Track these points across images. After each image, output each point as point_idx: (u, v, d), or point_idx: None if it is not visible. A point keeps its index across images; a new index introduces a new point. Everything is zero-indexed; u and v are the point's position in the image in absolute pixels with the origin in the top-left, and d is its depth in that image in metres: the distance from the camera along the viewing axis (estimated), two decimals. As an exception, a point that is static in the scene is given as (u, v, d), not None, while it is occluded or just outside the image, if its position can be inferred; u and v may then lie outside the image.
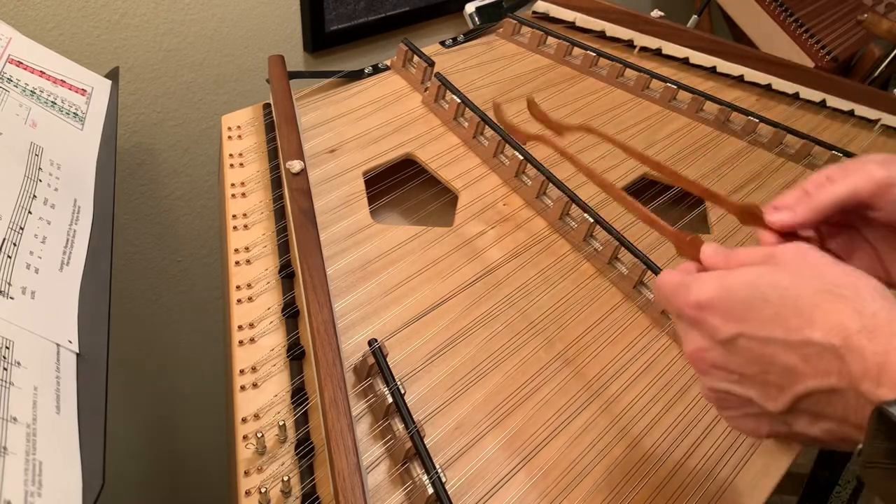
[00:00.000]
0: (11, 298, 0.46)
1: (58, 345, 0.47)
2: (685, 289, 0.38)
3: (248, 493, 0.47)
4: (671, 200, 0.78)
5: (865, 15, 1.18)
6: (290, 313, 0.58)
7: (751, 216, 0.45)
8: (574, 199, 0.69)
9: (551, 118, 0.54)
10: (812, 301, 0.34)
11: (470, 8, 1.00)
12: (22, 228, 0.51)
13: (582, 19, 1.03)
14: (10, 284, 0.47)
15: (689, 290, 0.38)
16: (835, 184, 0.43)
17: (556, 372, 0.58)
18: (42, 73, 0.67)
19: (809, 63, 1.18)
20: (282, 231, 0.65)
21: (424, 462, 0.47)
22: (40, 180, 0.57)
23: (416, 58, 0.86)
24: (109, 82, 0.74)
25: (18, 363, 0.43)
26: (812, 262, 0.36)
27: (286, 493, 0.46)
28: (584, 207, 0.68)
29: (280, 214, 0.66)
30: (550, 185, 0.71)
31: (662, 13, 1.05)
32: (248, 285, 0.61)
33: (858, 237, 0.46)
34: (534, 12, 1.06)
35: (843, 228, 0.46)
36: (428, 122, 0.81)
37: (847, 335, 0.32)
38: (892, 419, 0.29)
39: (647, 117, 0.89)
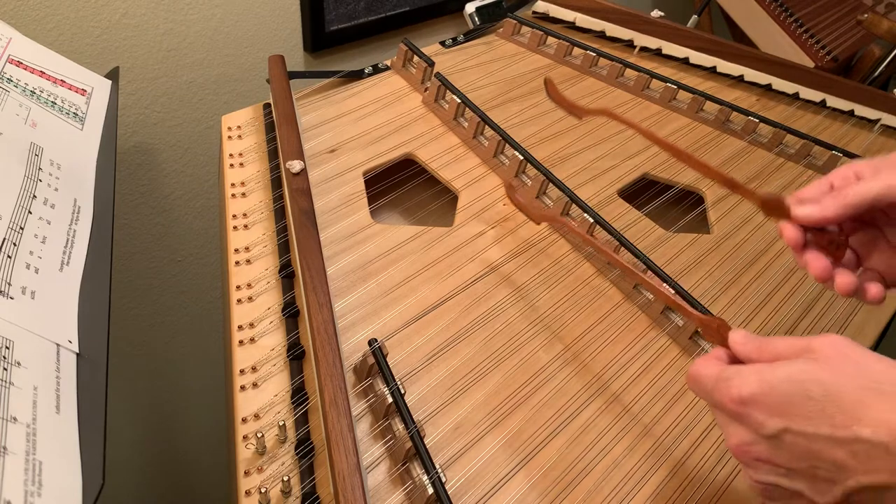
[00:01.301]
0: (11, 298, 0.46)
1: (58, 345, 0.47)
2: (726, 383, 0.38)
3: (248, 493, 0.47)
4: (671, 201, 0.78)
5: (865, 15, 1.18)
6: (290, 313, 0.58)
7: (774, 208, 0.45)
8: (574, 199, 0.69)
9: (569, 99, 0.54)
10: (857, 397, 0.34)
11: (470, 8, 1.00)
12: (22, 228, 0.51)
13: (582, 19, 1.03)
14: (10, 284, 0.47)
15: (731, 384, 0.38)
16: (866, 181, 0.43)
17: (556, 372, 0.58)
18: (42, 73, 0.67)
19: (809, 63, 1.18)
20: (282, 231, 0.65)
21: (424, 462, 0.47)
22: (40, 180, 0.57)
23: (416, 58, 0.86)
24: (109, 82, 0.74)
25: (18, 363, 0.43)
26: (853, 357, 0.36)
27: (286, 493, 0.46)
28: (584, 207, 0.68)
29: (280, 214, 0.66)
30: (550, 184, 0.71)
31: (662, 13, 1.05)
32: (248, 285, 0.61)
33: (879, 235, 0.46)
34: (534, 12, 1.06)
35: (863, 225, 0.46)
36: (428, 122, 0.82)
37: (895, 432, 0.32)
38: None
39: (648, 117, 0.89)
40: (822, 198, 0.45)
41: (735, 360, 0.41)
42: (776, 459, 0.37)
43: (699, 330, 0.45)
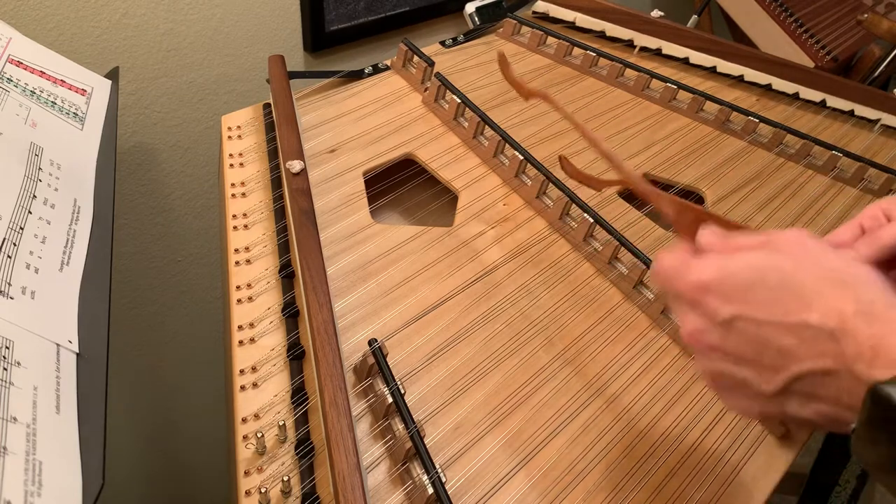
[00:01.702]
0: (11, 298, 0.46)
1: (58, 345, 0.47)
2: (685, 269, 0.38)
3: (248, 493, 0.47)
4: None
5: (865, 15, 1.18)
6: (290, 313, 0.58)
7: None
8: (574, 199, 0.69)
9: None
10: (812, 286, 0.34)
11: (470, 8, 1.00)
12: (22, 228, 0.51)
13: (582, 19, 1.03)
14: (10, 284, 0.47)
15: (690, 270, 0.38)
16: None
17: (556, 372, 0.58)
18: (42, 73, 0.67)
19: (809, 63, 1.18)
20: (282, 231, 0.65)
21: (424, 462, 0.47)
22: (40, 180, 0.57)
23: (416, 58, 0.86)
24: (109, 82, 0.74)
25: (18, 363, 0.43)
26: (811, 248, 0.37)
27: (286, 493, 0.46)
28: (584, 207, 0.68)
29: (280, 214, 0.66)
30: (550, 184, 0.71)
31: (662, 13, 1.05)
32: (248, 285, 0.61)
33: None
34: (534, 12, 1.06)
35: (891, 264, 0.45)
36: (428, 122, 0.81)
37: (843, 319, 0.33)
38: (885, 398, 0.30)
39: (647, 117, 0.89)
40: (856, 243, 0.44)
41: (701, 253, 0.40)
42: (726, 346, 0.37)
43: (671, 215, 0.43)
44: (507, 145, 0.75)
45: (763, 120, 0.88)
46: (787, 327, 0.34)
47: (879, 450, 0.31)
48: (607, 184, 0.51)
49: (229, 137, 0.76)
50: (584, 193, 0.71)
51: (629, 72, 0.93)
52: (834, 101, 0.99)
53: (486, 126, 0.77)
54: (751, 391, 0.37)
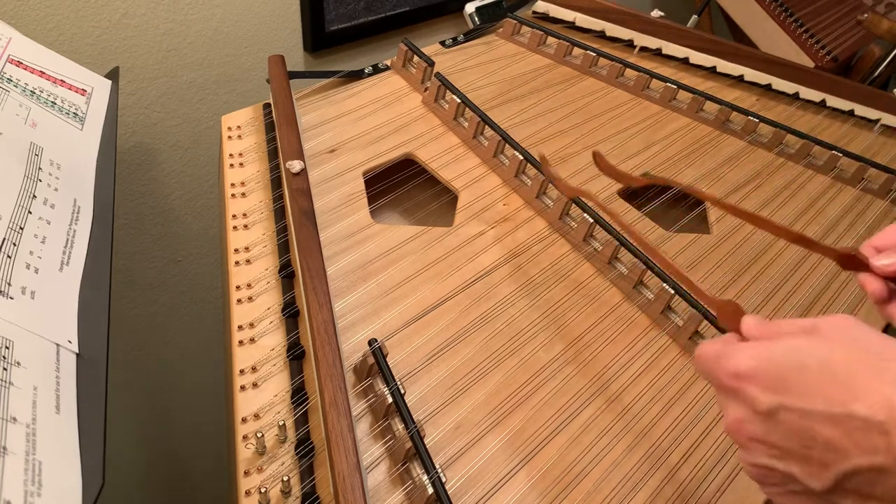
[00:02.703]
0: (11, 298, 0.46)
1: (57, 345, 0.47)
2: (725, 358, 0.37)
3: (248, 492, 0.47)
4: (671, 200, 0.78)
5: (865, 15, 1.18)
6: (290, 313, 0.58)
7: (850, 260, 0.42)
8: (574, 199, 0.69)
9: (619, 170, 0.53)
10: (855, 372, 0.32)
11: (470, 8, 1.00)
12: (22, 228, 0.51)
13: (582, 19, 1.03)
14: (10, 284, 0.47)
15: (729, 359, 0.37)
16: None
17: (556, 371, 0.58)
18: (42, 73, 0.67)
19: (809, 63, 1.18)
20: (282, 231, 0.65)
21: (424, 462, 0.47)
22: (40, 180, 0.57)
23: (416, 58, 0.86)
24: (109, 82, 0.74)
25: (18, 363, 0.43)
26: (857, 333, 0.34)
27: (286, 492, 0.46)
28: (584, 207, 0.68)
29: (280, 214, 0.66)
30: (550, 185, 0.71)
31: (662, 13, 1.05)
32: (248, 285, 0.61)
33: None
34: (534, 12, 1.06)
35: None
36: (428, 122, 0.81)
37: (893, 410, 0.30)
38: None
39: (647, 117, 0.89)
40: None
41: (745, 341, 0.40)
42: (770, 439, 0.35)
43: (715, 313, 0.43)
44: (507, 145, 0.75)
45: (763, 120, 0.88)
46: (832, 419, 0.32)
47: None
48: (636, 181, 0.51)
49: (229, 137, 0.76)
50: (584, 193, 0.71)
51: (629, 72, 0.93)
52: (834, 101, 0.99)
53: (486, 126, 0.77)
54: (799, 487, 0.35)
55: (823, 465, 0.33)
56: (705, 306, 0.45)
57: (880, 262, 0.42)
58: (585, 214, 0.67)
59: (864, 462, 0.31)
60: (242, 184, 0.71)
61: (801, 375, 0.33)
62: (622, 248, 0.65)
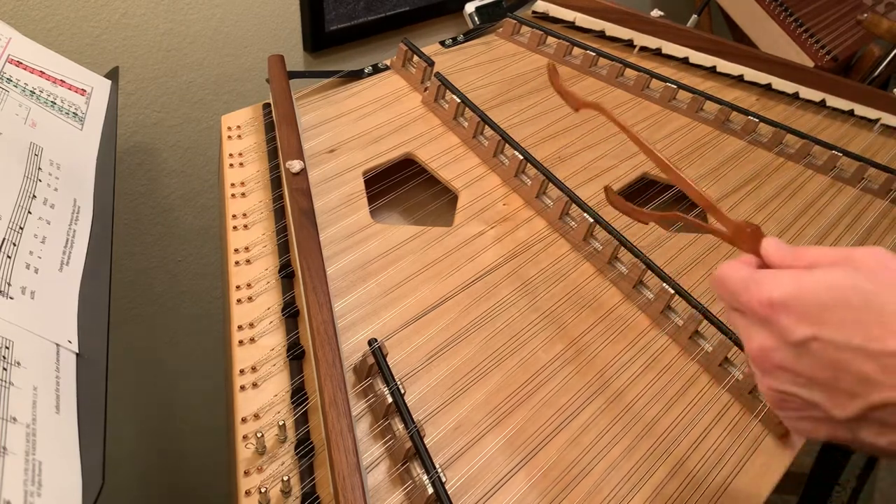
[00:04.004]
0: (11, 298, 0.46)
1: (57, 345, 0.47)
2: (756, 284, 0.36)
3: (248, 492, 0.47)
4: (672, 199, 0.78)
5: (865, 15, 1.17)
6: (290, 313, 0.58)
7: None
8: (574, 198, 0.69)
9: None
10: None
11: (470, 8, 1.00)
12: (22, 228, 0.51)
13: (582, 19, 1.03)
14: (9, 284, 0.47)
15: (762, 285, 0.36)
16: None
17: (556, 371, 0.58)
18: (42, 73, 0.67)
19: (809, 63, 1.18)
20: (282, 231, 0.65)
21: (424, 462, 0.47)
22: (40, 180, 0.57)
23: (415, 57, 0.86)
24: (109, 82, 0.74)
25: (18, 363, 0.43)
26: (893, 266, 0.34)
27: (286, 492, 0.46)
28: (584, 207, 0.68)
29: (280, 214, 0.66)
30: (550, 184, 0.71)
31: (662, 13, 1.05)
32: (248, 285, 0.61)
33: None
34: (533, 12, 1.06)
35: None
36: (428, 122, 0.81)
37: None
38: None
39: (647, 117, 0.89)
40: None
41: (765, 267, 0.39)
42: (798, 368, 0.35)
43: (731, 234, 0.42)
44: (506, 145, 0.75)
45: (763, 120, 0.88)
46: (870, 353, 0.32)
47: None
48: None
49: (229, 137, 0.76)
50: (583, 193, 0.71)
51: (629, 71, 0.93)
52: (834, 101, 0.99)
53: (486, 126, 0.77)
54: (820, 414, 0.36)
55: (852, 395, 0.33)
56: (720, 226, 0.43)
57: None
58: (585, 214, 0.67)
59: (894, 396, 0.32)
60: (242, 184, 0.71)
61: (839, 308, 0.33)
62: (622, 248, 0.65)
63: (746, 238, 0.40)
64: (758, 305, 0.36)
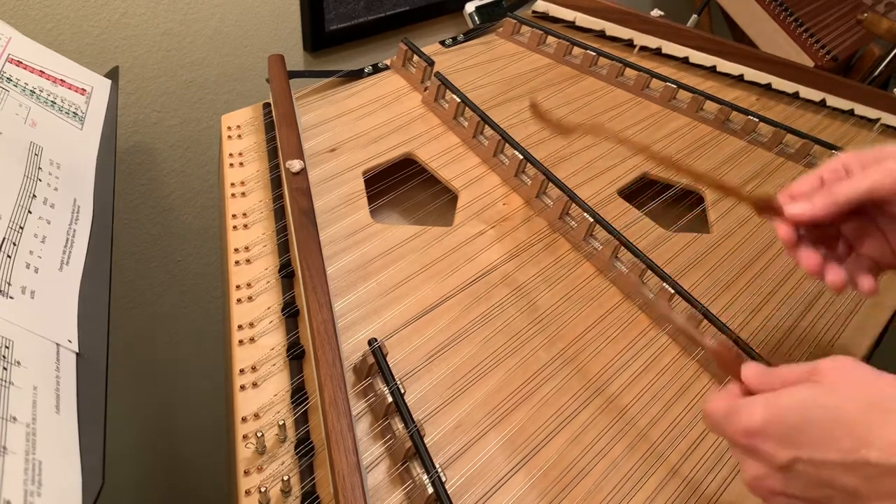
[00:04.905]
0: (11, 298, 0.46)
1: (57, 344, 0.47)
2: (734, 416, 0.38)
3: (248, 492, 0.47)
4: (671, 200, 0.78)
5: (865, 14, 1.17)
6: (290, 313, 0.58)
7: (767, 208, 0.45)
8: (574, 198, 0.69)
9: (552, 119, 0.54)
10: (862, 419, 0.33)
11: (470, 7, 1.00)
12: (22, 228, 0.51)
13: (582, 19, 1.03)
14: (9, 284, 0.47)
15: (739, 417, 0.37)
16: (853, 179, 0.44)
17: (556, 371, 0.58)
18: (42, 73, 0.67)
19: (809, 63, 1.18)
20: (282, 230, 0.65)
21: (424, 461, 0.47)
22: (40, 180, 0.57)
23: (415, 57, 0.86)
24: (109, 82, 0.74)
25: (18, 363, 0.43)
26: (856, 377, 0.35)
27: (286, 492, 0.46)
28: (584, 207, 0.68)
29: (280, 214, 0.66)
30: (550, 184, 0.71)
31: (662, 13, 1.05)
32: (248, 285, 0.61)
33: (870, 224, 0.46)
34: (533, 12, 1.06)
35: (854, 214, 0.46)
36: (428, 122, 0.81)
37: None
38: None
39: (647, 117, 0.89)
40: (813, 195, 0.45)
41: (749, 393, 0.40)
42: (791, 490, 0.36)
43: (717, 362, 0.44)
44: (506, 145, 0.75)
45: (763, 119, 0.88)
46: (848, 466, 0.33)
47: None
48: (573, 131, 0.52)
49: (229, 137, 0.76)
50: (583, 193, 0.71)
51: (629, 71, 0.93)
52: (834, 101, 0.99)
53: (486, 125, 0.77)
54: None
55: None
56: (707, 352, 0.45)
57: (791, 210, 0.45)
58: (585, 214, 0.67)
59: None
60: (242, 183, 0.71)
61: (811, 428, 0.34)
62: (622, 248, 0.65)
63: (728, 365, 0.42)
64: (738, 436, 0.37)
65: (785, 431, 0.35)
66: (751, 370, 0.40)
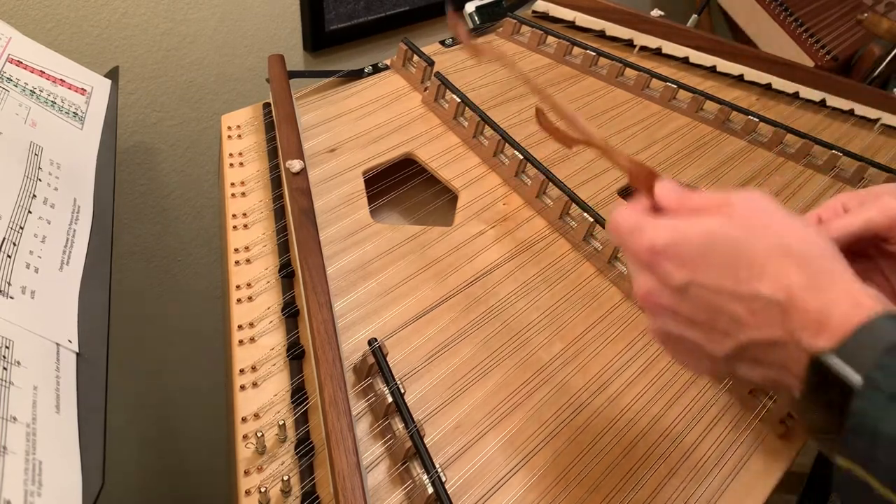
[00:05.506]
0: (11, 298, 0.46)
1: (58, 344, 0.47)
2: (640, 230, 0.39)
3: (248, 492, 0.47)
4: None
5: (865, 14, 1.18)
6: (290, 313, 0.58)
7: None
8: (574, 198, 0.69)
9: (559, 129, 0.53)
10: (763, 255, 0.35)
11: (470, 7, 1.00)
12: (22, 228, 0.51)
13: (582, 18, 1.03)
14: (9, 284, 0.47)
15: (645, 233, 0.38)
16: (849, 215, 0.44)
17: (556, 371, 0.58)
18: (42, 73, 0.67)
19: (809, 62, 1.18)
20: (282, 230, 0.65)
21: (424, 461, 0.47)
22: (40, 180, 0.57)
23: (415, 57, 0.86)
24: (109, 82, 0.74)
25: (18, 363, 0.43)
26: (766, 214, 0.37)
27: (286, 492, 0.46)
28: (584, 207, 0.68)
29: (280, 214, 0.66)
30: (550, 184, 0.71)
31: (662, 13, 1.05)
32: (248, 285, 0.61)
33: (873, 267, 0.46)
34: (534, 12, 1.06)
35: (857, 256, 0.45)
36: (428, 122, 0.81)
37: (791, 292, 0.33)
38: (824, 368, 0.31)
39: (647, 117, 0.89)
40: None
41: (657, 209, 0.40)
42: (679, 309, 0.38)
43: (629, 174, 0.42)
44: (506, 145, 0.75)
45: (763, 119, 0.88)
46: (739, 296, 0.35)
47: (816, 416, 0.33)
48: (576, 142, 0.51)
49: (229, 137, 0.76)
50: (583, 193, 0.71)
51: (629, 71, 0.93)
52: (834, 101, 0.99)
53: (486, 125, 0.77)
54: (701, 352, 0.38)
55: (726, 334, 0.36)
56: (616, 161, 0.43)
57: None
58: (585, 214, 0.67)
59: (762, 335, 0.35)
60: (242, 183, 0.71)
61: (713, 255, 0.36)
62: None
63: (642, 180, 0.41)
64: (640, 251, 0.38)
65: (687, 255, 0.37)
66: (665, 187, 0.40)
